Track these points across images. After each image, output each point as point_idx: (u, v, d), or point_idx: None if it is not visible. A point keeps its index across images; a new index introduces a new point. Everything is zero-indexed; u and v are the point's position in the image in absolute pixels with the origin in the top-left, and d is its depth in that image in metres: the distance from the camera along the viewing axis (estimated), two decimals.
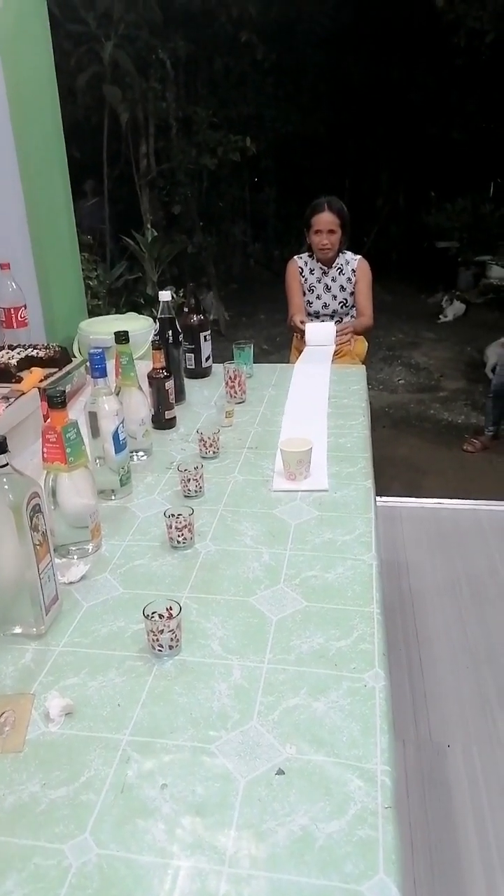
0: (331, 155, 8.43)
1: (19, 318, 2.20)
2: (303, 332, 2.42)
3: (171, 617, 0.95)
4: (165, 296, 1.84)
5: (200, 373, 2.09)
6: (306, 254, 2.83)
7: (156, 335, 1.85)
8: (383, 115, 7.78)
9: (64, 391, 1.13)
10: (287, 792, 0.74)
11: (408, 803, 1.62)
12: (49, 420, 1.13)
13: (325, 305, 2.81)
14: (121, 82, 5.45)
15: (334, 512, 1.30)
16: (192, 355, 2.07)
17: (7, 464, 0.92)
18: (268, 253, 8.90)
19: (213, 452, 1.55)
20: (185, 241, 6.07)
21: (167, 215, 6.61)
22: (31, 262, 2.45)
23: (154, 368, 1.68)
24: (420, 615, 2.26)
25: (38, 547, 0.96)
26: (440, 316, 6.90)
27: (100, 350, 1.32)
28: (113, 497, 1.40)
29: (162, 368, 1.68)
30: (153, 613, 0.95)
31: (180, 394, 1.89)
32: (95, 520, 1.20)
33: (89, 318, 2.87)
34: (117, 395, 1.51)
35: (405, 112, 7.66)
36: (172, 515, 1.20)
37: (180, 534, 1.19)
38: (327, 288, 2.78)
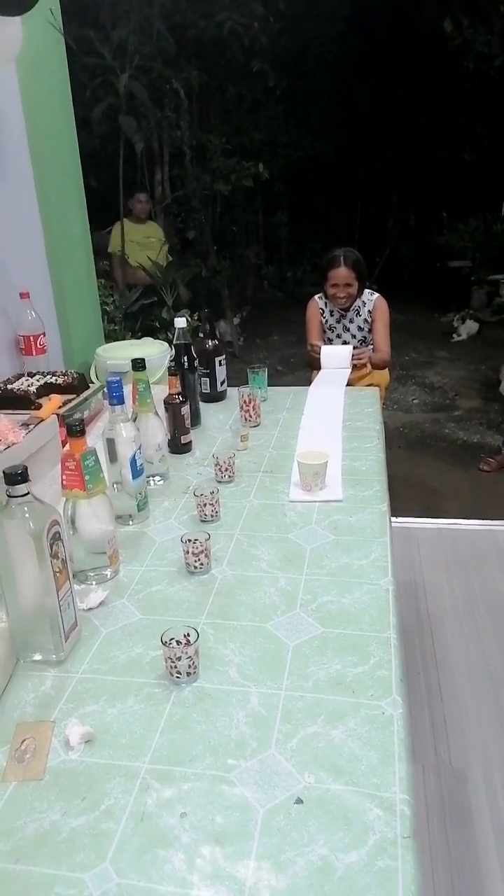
0: (342, 177, 8.52)
1: (38, 346, 2.24)
2: (318, 358, 2.44)
3: (188, 644, 0.95)
4: (181, 322, 1.87)
5: (215, 397, 2.11)
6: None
7: (171, 361, 1.88)
8: (393, 137, 7.86)
9: (82, 420, 1.15)
10: (306, 821, 0.74)
11: (428, 830, 1.60)
12: (68, 447, 1.15)
13: (345, 343, 2.85)
14: (136, 112, 5.56)
15: (350, 536, 1.31)
16: (207, 380, 2.09)
17: (28, 492, 0.94)
18: (281, 275, 8.98)
19: (229, 477, 1.56)
20: (199, 265, 6.13)
21: (182, 241, 6.70)
22: (50, 290, 2.50)
23: (170, 394, 1.70)
24: (438, 638, 2.24)
25: (57, 574, 0.97)
26: (453, 335, 6.90)
27: (118, 378, 1.35)
28: (130, 522, 1.41)
29: (178, 394, 1.70)
30: (171, 640, 0.96)
31: (196, 418, 1.91)
32: (114, 546, 1.21)
33: (106, 342, 2.92)
34: (134, 420, 1.53)
35: (415, 134, 7.74)
36: (189, 541, 1.21)
37: (197, 559, 1.20)
38: (346, 329, 2.82)
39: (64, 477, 1.15)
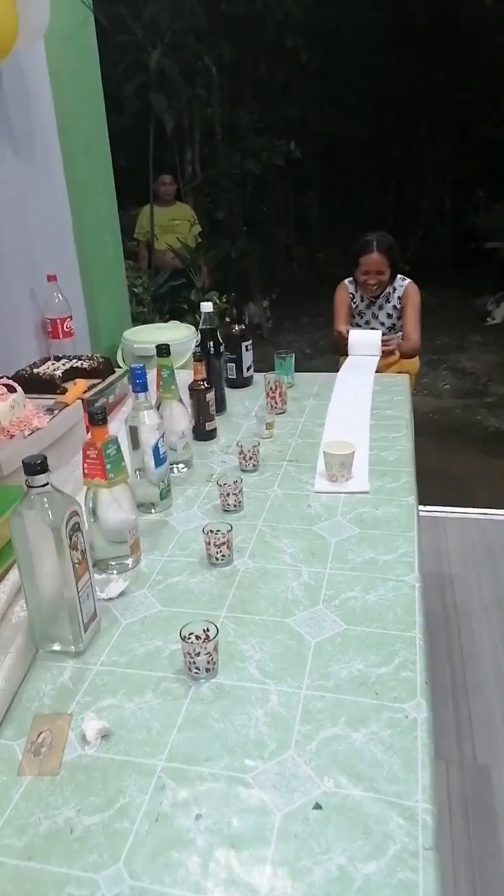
0: (375, 156, 8.35)
1: (65, 329, 2.23)
2: (346, 342, 2.39)
3: (208, 639, 0.93)
4: (207, 307, 1.84)
5: (242, 383, 2.08)
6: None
7: (197, 346, 1.85)
8: (428, 115, 7.66)
9: (104, 408, 1.13)
10: (324, 828, 0.72)
11: (450, 830, 1.58)
12: (89, 436, 1.13)
13: (375, 330, 2.79)
14: (167, 90, 5.50)
15: (376, 529, 1.28)
16: (234, 365, 2.06)
17: (47, 483, 0.92)
18: (311, 256, 8.86)
19: (253, 465, 1.53)
20: (229, 246, 6.07)
21: (211, 221, 6.64)
22: (77, 273, 2.48)
23: (195, 380, 1.68)
24: (465, 632, 2.20)
25: (76, 565, 0.96)
26: (488, 318, 6.76)
27: (141, 365, 1.32)
28: (153, 510, 1.40)
29: (203, 380, 1.68)
30: (190, 635, 0.94)
31: (221, 404, 1.89)
32: (135, 535, 1.20)
33: (134, 325, 2.90)
34: (158, 407, 1.51)
35: (451, 112, 7.53)
36: (211, 532, 1.19)
37: (219, 550, 1.18)
38: (374, 315, 2.75)
39: (85, 465, 1.14)
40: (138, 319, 4.19)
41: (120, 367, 2.53)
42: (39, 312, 2.24)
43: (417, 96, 7.48)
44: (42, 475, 0.92)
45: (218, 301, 4.60)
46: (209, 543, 1.18)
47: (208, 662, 0.92)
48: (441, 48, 7.10)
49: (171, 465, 1.55)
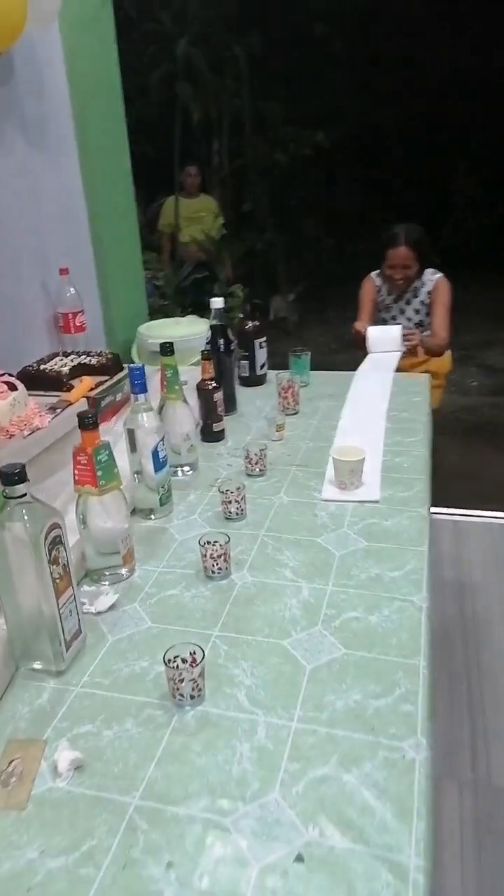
0: (407, 145, 8.16)
1: (76, 324, 2.18)
2: (363, 341, 2.30)
3: (194, 664, 0.87)
4: (217, 302, 1.77)
5: (255, 381, 2.01)
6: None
7: (207, 343, 1.79)
8: (461, 103, 7.45)
9: (96, 412, 1.08)
10: (305, 885, 0.66)
11: (461, 855, 1.50)
12: (80, 441, 1.08)
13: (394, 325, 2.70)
14: (194, 80, 5.43)
15: (384, 543, 1.20)
16: (247, 362, 1.99)
17: (25, 493, 0.87)
18: (340, 248, 8.71)
19: (260, 470, 1.47)
20: (255, 238, 5.99)
21: (238, 213, 6.56)
22: (92, 266, 2.44)
23: (203, 379, 1.61)
24: (484, 643, 2.11)
25: (57, 581, 0.90)
26: None
27: (140, 365, 1.26)
28: (152, 516, 1.34)
29: (211, 379, 1.61)
30: (175, 658, 0.88)
31: (231, 403, 1.82)
32: (128, 545, 1.14)
33: (156, 319, 2.85)
34: (161, 409, 1.46)
35: (485, 102, 7.32)
36: (208, 543, 1.13)
37: (215, 563, 1.12)
38: (401, 311, 2.66)
39: (76, 472, 1.08)
40: (161, 312, 4.15)
41: (134, 362, 2.48)
42: (51, 306, 2.19)
43: (450, 85, 7.28)
44: (21, 485, 0.86)
45: (241, 294, 4.53)
46: (205, 556, 1.12)
47: (193, 689, 0.86)
48: (476, 35, 6.89)
49: (176, 467, 1.50)
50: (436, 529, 2.67)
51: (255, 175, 6.35)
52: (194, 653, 0.88)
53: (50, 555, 0.88)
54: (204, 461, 1.56)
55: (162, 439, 1.29)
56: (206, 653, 0.88)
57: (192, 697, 0.87)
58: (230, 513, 1.30)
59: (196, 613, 1.05)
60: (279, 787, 0.76)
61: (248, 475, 1.47)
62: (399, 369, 2.50)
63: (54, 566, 0.89)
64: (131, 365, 1.26)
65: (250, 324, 1.96)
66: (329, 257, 8.56)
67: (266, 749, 0.80)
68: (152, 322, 2.56)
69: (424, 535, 1.22)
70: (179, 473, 1.50)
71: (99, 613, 1.06)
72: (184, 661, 0.88)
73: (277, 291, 6.63)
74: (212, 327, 1.78)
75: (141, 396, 1.28)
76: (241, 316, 1.98)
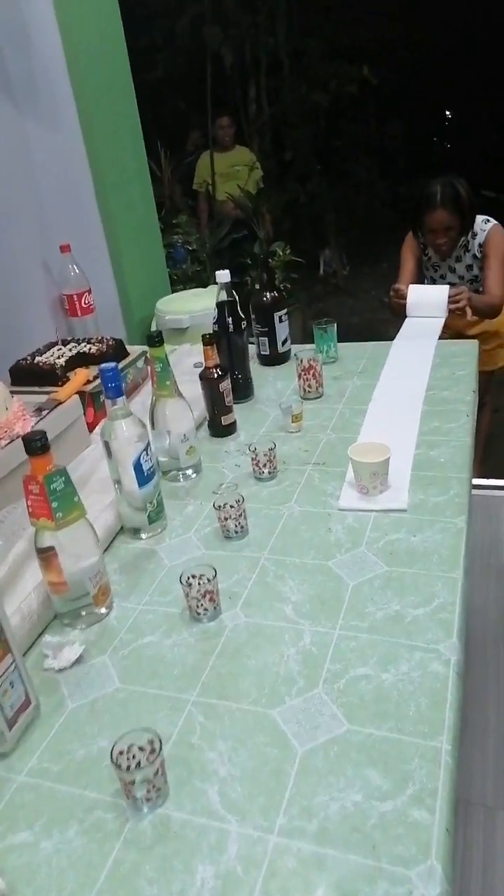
0: (464, 78, 7.49)
1: (83, 305, 2.01)
2: (402, 307, 2.02)
3: (153, 753, 0.70)
4: (224, 275, 1.55)
5: (277, 359, 1.80)
6: None
7: (214, 323, 1.58)
8: None
9: (44, 432, 0.90)
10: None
11: (482, 879, 1.31)
12: (30, 468, 0.91)
13: (452, 285, 2.39)
14: (224, 21, 5.05)
15: (408, 567, 0.99)
16: (266, 339, 1.77)
17: None
18: (394, 191, 8.18)
19: (269, 473, 1.27)
20: (297, 189, 5.63)
21: (280, 163, 6.18)
22: (102, 237, 2.24)
23: (206, 367, 1.41)
24: None
25: None
26: None
27: (112, 365, 1.08)
28: (142, 535, 1.17)
29: (215, 367, 1.41)
30: (128, 750, 0.71)
31: (246, 389, 1.62)
32: (100, 582, 0.97)
33: (189, 288, 2.65)
34: (152, 409, 1.27)
35: None
36: (192, 578, 0.95)
37: (199, 603, 0.94)
38: (451, 269, 2.35)
39: (29, 503, 0.91)
40: (195, 281, 3.93)
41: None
42: (55, 288, 2.03)
43: None
44: None
45: (281, 253, 4.25)
46: (188, 595, 0.94)
47: (150, 791, 0.69)
48: None
49: (178, 471, 1.32)
50: (495, 507, 2.41)
51: (296, 119, 5.93)
52: (153, 741, 0.71)
53: None
54: (209, 461, 1.37)
55: (146, 448, 1.11)
56: (179, 727, 0.71)
57: (147, 800, 0.70)
58: (228, 531, 1.12)
59: (174, 669, 0.88)
60: None
61: (257, 478, 1.28)
62: (451, 329, 2.23)
63: None
64: (102, 365, 1.08)
65: (268, 295, 1.74)
66: (382, 202, 8.06)
67: (234, 874, 0.63)
68: (171, 296, 2.36)
69: (459, 555, 1.00)
70: (181, 479, 1.32)
71: (62, 670, 0.90)
72: (141, 748, 0.71)
73: (326, 244, 6.26)
74: (218, 305, 1.56)
75: (119, 401, 1.09)
76: (257, 287, 1.76)
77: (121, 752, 0.70)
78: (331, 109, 6.17)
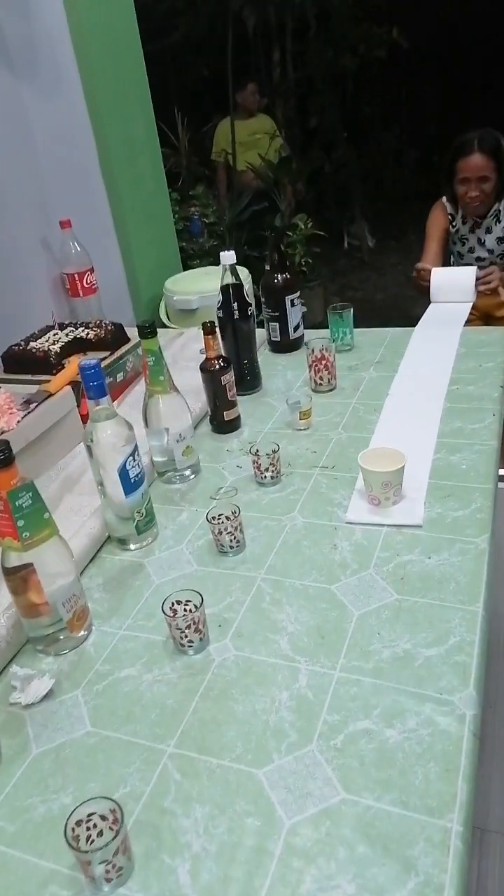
0: (501, 43, 7.12)
1: (85, 284, 1.90)
2: (425, 287, 1.88)
3: (115, 822, 0.61)
4: (228, 257, 1.42)
5: (288, 346, 1.67)
6: None
7: (218, 309, 1.46)
8: None
9: (6, 443, 0.79)
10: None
11: None
12: None
13: (480, 259, 2.23)
14: None
15: (421, 596, 0.88)
16: (277, 324, 1.65)
17: None
18: (425, 160, 7.87)
19: (272, 477, 1.16)
20: (322, 157, 5.40)
21: (304, 131, 5.94)
22: (108, 213, 2.12)
23: (207, 358, 1.30)
24: None
25: None
26: None
27: (93, 363, 0.96)
28: (132, 545, 1.07)
29: (217, 358, 1.30)
30: (89, 819, 0.61)
31: (253, 380, 1.50)
32: (75, 606, 0.88)
33: (204, 264, 2.52)
34: (145, 407, 1.16)
35: None
36: (178, 604, 0.85)
37: (183, 634, 0.84)
38: (480, 241, 2.19)
39: None
40: (212, 255, 3.78)
41: (165, 325, 2.18)
42: (57, 267, 1.91)
43: None
44: None
45: (303, 226, 4.08)
46: (171, 626, 0.84)
47: (109, 872, 0.60)
48: None
49: (174, 472, 1.21)
50: None
51: (323, 85, 5.68)
52: (115, 810, 0.61)
53: None
54: (209, 461, 1.27)
55: (133, 452, 1.00)
56: (151, 785, 0.61)
57: (107, 881, 0.60)
58: (222, 545, 1.01)
59: (152, 713, 0.78)
60: None
61: (259, 483, 1.17)
62: (479, 310, 2.08)
63: None
64: (82, 362, 0.97)
65: (279, 277, 1.61)
66: (411, 172, 7.76)
67: None
68: (180, 274, 2.23)
69: (480, 583, 0.88)
70: (176, 482, 1.22)
71: (29, 706, 0.81)
72: (103, 817, 0.62)
73: (351, 216, 6.04)
74: (223, 288, 1.44)
75: (103, 401, 0.98)
76: (268, 268, 1.63)
77: (78, 823, 0.61)
78: (359, 74, 5.90)
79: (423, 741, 0.69)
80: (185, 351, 1.75)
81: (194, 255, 3.69)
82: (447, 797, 0.64)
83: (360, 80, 6.20)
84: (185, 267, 2.48)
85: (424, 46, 6.71)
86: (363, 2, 5.70)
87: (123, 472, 0.99)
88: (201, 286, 2.08)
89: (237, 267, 1.44)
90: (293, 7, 5.37)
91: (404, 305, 5.09)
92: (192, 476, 1.23)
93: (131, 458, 1.00)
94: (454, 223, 2.27)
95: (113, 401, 1.51)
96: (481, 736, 0.71)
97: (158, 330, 1.12)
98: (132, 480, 1.01)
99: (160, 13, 5.02)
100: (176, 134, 4.41)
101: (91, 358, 1.49)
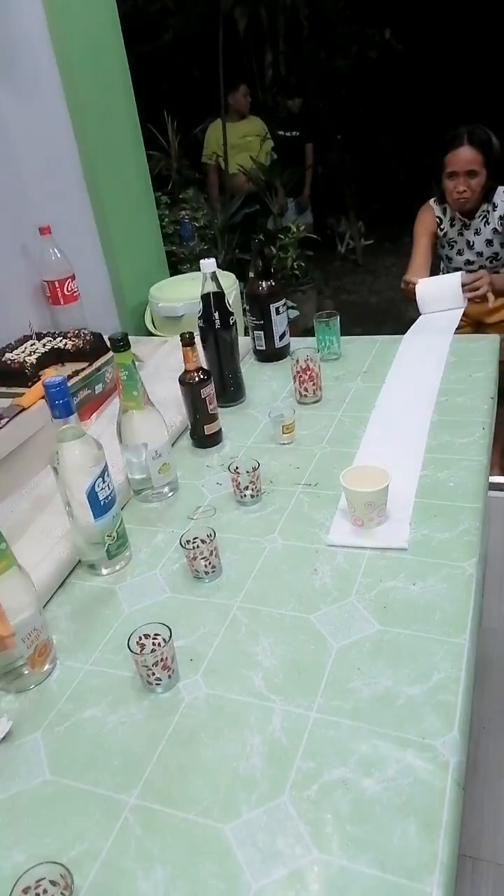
0: (498, 42, 7.08)
1: (66, 292, 1.85)
2: (415, 300, 1.83)
3: (66, 889, 0.56)
4: (209, 265, 1.38)
5: (274, 355, 1.62)
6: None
7: (199, 318, 1.41)
8: None
9: None
10: None
11: None
12: None
13: (469, 263, 2.19)
14: None
15: (405, 627, 0.82)
16: (262, 333, 1.60)
17: None
18: (418, 162, 7.84)
19: (252, 496, 1.11)
20: (315, 161, 5.35)
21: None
22: (91, 219, 2.07)
23: (186, 370, 1.25)
24: None
25: None
26: None
27: (58, 379, 0.91)
28: (103, 570, 1.02)
29: (197, 370, 1.25)
30: (37, 885, 0.56)
31: (237, 391, 1.45)
32: (36, 641, 0.83)
33: (193, 270, 2.47)
34: (119, 423, 1.11)
35: None
36: (145, 638, 0.79)
37: (150, 672, 0.78)
38: (469, 244, 2.15)
39: None
40: (203, 258, 3.72)
41: (151, 333, 2.13)
42: (37, 275, 1.86)
43: None
44: None
45: (295, 229, 4.03)
46: (138, 663, 0.79)
47: None
48: None
49: (150, 491, 1.16)
50: None
51: (314, 86, 5.63)
52: (64, 875, 0.56)
53: None
54: (188, 478, 1.22)
55: (102, 473, 0.95)
56: (111, 841, 0.56)
57: None
58: (197, 571, 0.96)
59: (115, 759, 0.73)
60: None
61: (239, 502, 1.12)
62: (469, 317, 2.04)
63: None
64: (47, 380, 0.91)
65: (264, 284, 1.56)
66: (406, 173, 7.73)
67: None
68: (165, 281, 2.19)
69: (467, 613, 0.83)
70: (153, 501, 1.16)
71: None
72: (53, 883, 0.57)
73: (346, 217, 6.00)
74: (203, 297, 1.39)
75: (70, 419, 0.93)
76: (252, 275, 1.58)
77: (25, 890, 0.56)
78: (352, 76, 5.87)
79: (403, 792, 0.64)
80: (170, 359, 1.70)
81: (185, 259, 3.64)
82: (426, 857, 0.59)
83: (352, 82, 6.16)
84: (176, 271, 2.44)
85: (417, 48, 6.68)
86: (355, 3, 5.67)
87: (92, 494, 0.94)
88: (187, 293, 2.03)
89: (222, 273, 1.39)
90: (285, 8, 5.33)
91: (399, 309, 5.04)
92: (171, 494, 1.18)
93: (100, 479, 0.95)
94: (442, 226, 2.23)
95: (92, 413, 1.48)
96: (472, 760, 0.66)
97: (143, 338, 1.07)
98: (102, 503, 0.96)
99: (150, 15, 4.97)
100: (166, 136, 4.36)
101: (70, 369, 1.46)
